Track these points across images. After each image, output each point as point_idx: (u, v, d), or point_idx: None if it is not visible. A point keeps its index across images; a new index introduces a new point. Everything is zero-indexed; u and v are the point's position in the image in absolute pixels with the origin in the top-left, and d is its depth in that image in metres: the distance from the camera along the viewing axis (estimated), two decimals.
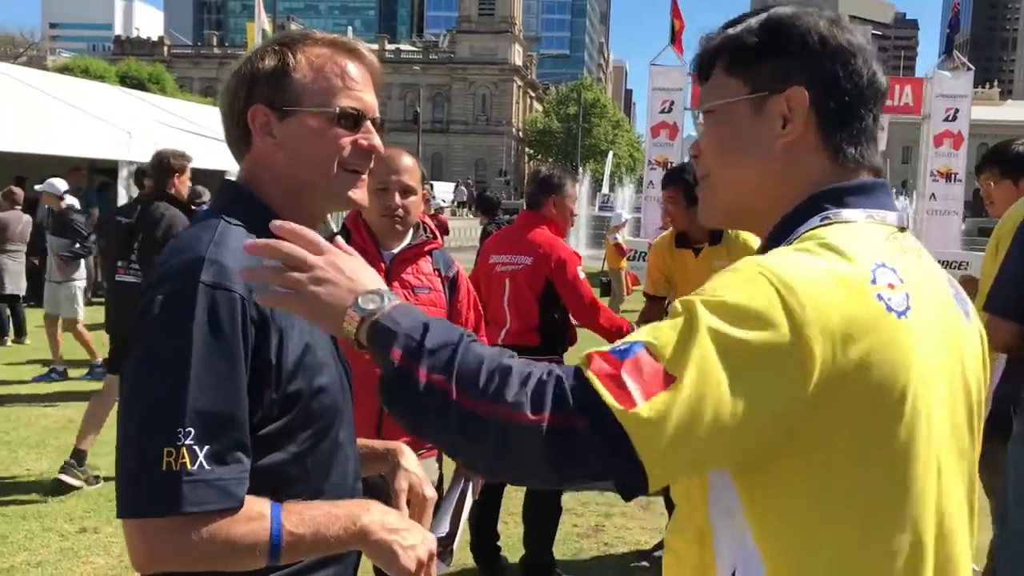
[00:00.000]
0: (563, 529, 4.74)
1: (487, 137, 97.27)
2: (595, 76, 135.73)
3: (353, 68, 1.48)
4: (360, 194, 1.52)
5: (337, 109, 1.45)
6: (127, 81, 49.91)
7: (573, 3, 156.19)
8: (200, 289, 1.28)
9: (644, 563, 4.64)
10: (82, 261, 8.88)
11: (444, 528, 2.87)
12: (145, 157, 13.78)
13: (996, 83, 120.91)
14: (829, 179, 1.16)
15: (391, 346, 1.08)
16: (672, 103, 23.37)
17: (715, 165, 1.23)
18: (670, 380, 0.96)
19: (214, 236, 1.36)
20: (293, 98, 1.44)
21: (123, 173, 13.47)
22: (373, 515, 1.36)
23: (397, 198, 2.81)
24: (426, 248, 2.93)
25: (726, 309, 0.99)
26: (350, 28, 28.36)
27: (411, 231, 2.93)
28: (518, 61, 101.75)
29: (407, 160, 2.87)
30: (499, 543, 4.50)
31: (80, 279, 8.82)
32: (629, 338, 1.02)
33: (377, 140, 1.51)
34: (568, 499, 5.12)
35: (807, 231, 1.12)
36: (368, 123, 1.50)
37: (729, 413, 0.96)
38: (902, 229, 1.17)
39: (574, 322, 4.36)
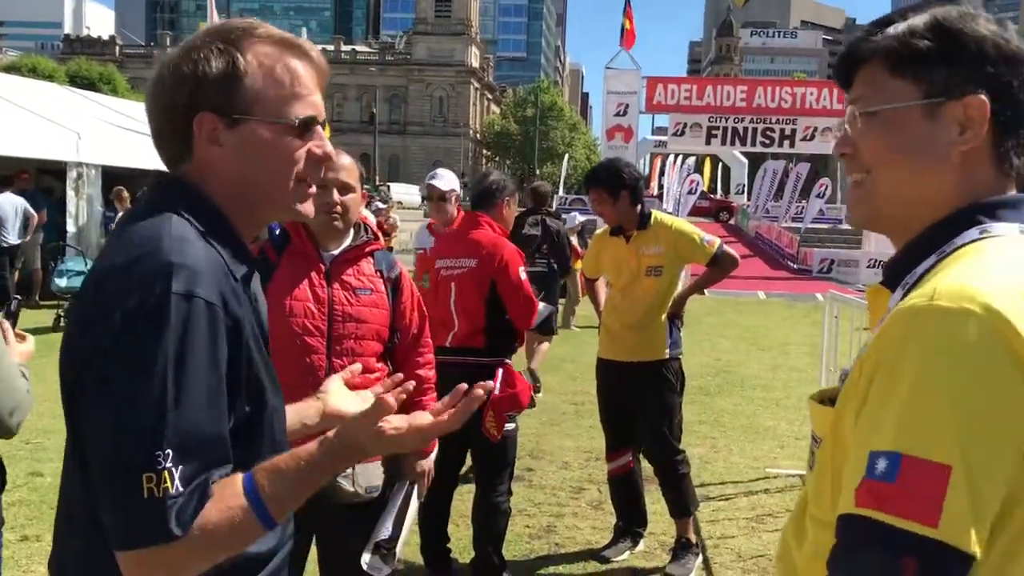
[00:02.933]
0: (514, 530, 4.75)
1: (444, 139, 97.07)
2: (552, 79, 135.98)
3: (303, 70, 1.40)
4: (310, 207, 1.47)
5: (296, 121, 1.37)
6: (77, 81, 49.02)
7: (529, 6, 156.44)
8: (173, 301, 1.21)
9: (595, 562, 4.68)
10: None
11: (387, 531, 2.88)
12: (94, 159, 13.62)
13: None
14: (990, 190, 1.15)
15: None
16: (627, 106, 23.56)
17: (879, 169, 1.20)
18: None
19: (171, 230, 1.29)
20: (245, 106, 1.35)
21: (71, 175, 13.25)
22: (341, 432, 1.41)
23: (335, 195, 2.80)
24: (367, 249, 2.92)
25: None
26: (305, 29, 28.11)
27: (352, 232, 2.92)
28: (475, 63, 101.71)
29: (344, 158, 2.86)
30: (449, 545, 4.50)
31: None
32: None
33: (330, 147, 1.46)
34: (519, 500, 5.14)
35: (965, 244, 1.11)
36: (319, 128, 1.42)
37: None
38: None
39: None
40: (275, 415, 1.45)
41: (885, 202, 1.21)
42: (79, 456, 1.31)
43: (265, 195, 1.40)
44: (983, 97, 1.13)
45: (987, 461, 0.95)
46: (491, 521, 4.31)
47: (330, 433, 1.40)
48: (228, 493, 1.25)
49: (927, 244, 1.15)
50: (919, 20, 1.17)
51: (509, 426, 4.19)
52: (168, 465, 1.18)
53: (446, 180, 5.74)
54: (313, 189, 1.46)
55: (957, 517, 0.93)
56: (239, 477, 1.27)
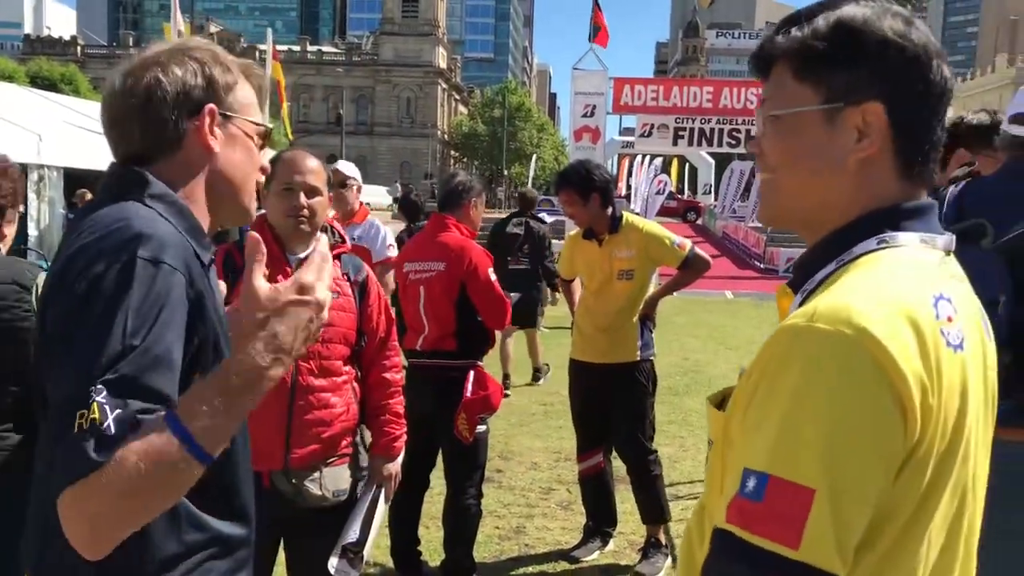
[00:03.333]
0: (484, 531, 4.75)
1: (412, 140, 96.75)
2: (519, 80, 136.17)
3: (256, 89, 1.59)
4: (254, 206, 1.61)
5: (271, 125, 1.58)
6: (38, 82, 48.27)
7: (496, 7, 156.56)
8: (139, 264, 1.27)
9: (565, 562, 4.69)
10: None
11: (354, 534, 2.87)
12: (56, 160, 13.42)
13: None
14: (894, 197, 1.13)
15: None
16: (594, 107, 23.62)
17: (782, 171, 1.19)
18: None
19: (139, 212, 1.36)
20: (236, 107, 1.51)
21: (33, 177, 13.04)
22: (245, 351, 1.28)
23: (302, 198, 2.79)
24: (334, 252, 2.91)
25: None
26: (270, 30, 27.77)
27: (318, 234, 2.90)
28: (442, 64, 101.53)
29: (312, 162, 2.85)
30: (419, 547, 4.49)
31: None
32: None
33: (266, 161, 1.61)
34: (490, 501, 5.13)
35: (864, 253, 1.10)
36: None
37: None
38: (948, 253, 1.15)
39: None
40: None
41: (787, 204, 1.20)
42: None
43: (235, 190, 1.52)
44: (879, 104, 1.11)
45: (853, 483, 0.96)
46: (462, 523, 4.30)
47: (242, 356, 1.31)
48: (149, 423, 1.21)
49: (827, 251, 1.14)
50: (823, 21, 1.14)
51: (480, 428, 4.19)
52: (99, 399, 1.18)
53: (348, 168, 5.70)
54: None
55: (819, 539, 0.94)
56: (160, 417, 1.23)
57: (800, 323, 1.01)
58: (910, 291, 1.04)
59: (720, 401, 1.18)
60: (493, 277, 4.22)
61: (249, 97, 1.54)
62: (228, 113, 1.49)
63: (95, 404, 1.18)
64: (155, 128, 1.45)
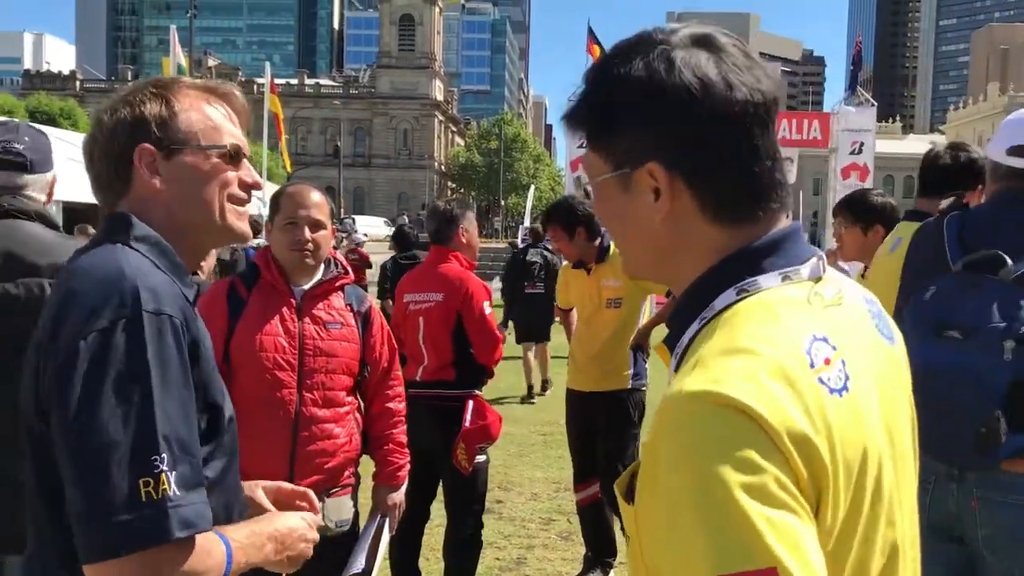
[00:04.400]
0: (484, 563, 4.73)
1: (409, 171, 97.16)
2: (516, 111, 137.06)
3: (227, 110, 1.57)
4: (246, 226, 1.58)
5: (227, 145, 1.52)
6: (37, 117, 48.53)
7: (492, 40, 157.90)
8: (146, 318, 1.31)
9: None
10: None
11: (360, 564, 2.89)
12: (55, 195, 13.46)
13: (898, 118, 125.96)
14: (727, 241, 1.03)
15: None
16: None
17: (611, 233, 1.16)
18: None
19: (128, 259, 1.39)
20: (179, 137, 1.49)
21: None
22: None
23: (307, 232, 2.83)
24: (338, 283, 2.95)
25: None
26: (268, 63, 28.09)
27: (322, 267, 2.95)
28: (439, 96, 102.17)
29: (315, 195, 2.90)
30: None
31: None
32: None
33: (257, 176, 1.59)
34: (490, 533, 5.13)
35: (725, 308, 1.01)
36: (245, 161, 1.57)
37: None
38: (818, 280, 1.05)
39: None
40: (230, 429, 1.52)
41: (631, 264, 1.15)
42: (43, 484, 1.36)
43: (200, 220, 1.52)
44: (655, 163, 1.01)
45: (799, 541, 0.87)
46: (462, 555, 4.29)
47: (280, 523, 1.56)
48: (214, 544, 1.36)
49: (690, 307, 1.06)
50: (591, 86, 1.07)
51: (480, 458, 4.19)
52: (164, 468, 1.26)
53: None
54: (245, 210, 1.58)
55: None
56: (220, 542, 1.37)
57: (673, 410, 0.94)
58: (778, 345, 0.95)
59: (628, 484, 1.05)
60: (488, 311, 4.22)
61: (205, 120, 1.51)
62: (173, 146, 1.48)
63: (163, 475, 1.26)
64: (104, 178, 1.52)
